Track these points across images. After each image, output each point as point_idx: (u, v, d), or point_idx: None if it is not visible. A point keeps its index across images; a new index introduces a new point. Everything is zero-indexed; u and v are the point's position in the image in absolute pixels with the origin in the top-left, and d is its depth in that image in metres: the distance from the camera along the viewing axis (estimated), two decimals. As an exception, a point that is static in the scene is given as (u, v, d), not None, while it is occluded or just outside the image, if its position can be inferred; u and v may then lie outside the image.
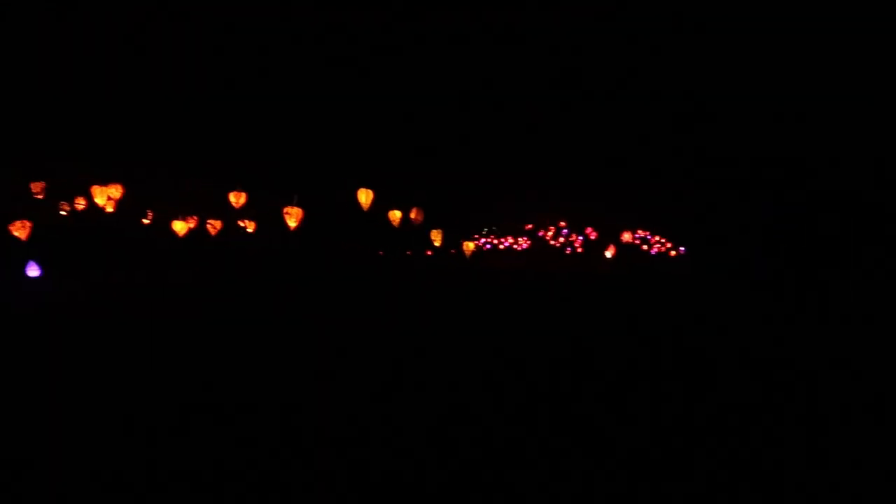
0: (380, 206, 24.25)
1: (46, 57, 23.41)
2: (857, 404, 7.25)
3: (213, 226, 25.97)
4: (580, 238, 45.23)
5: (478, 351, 10.29)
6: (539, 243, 46.54)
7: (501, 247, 46.78)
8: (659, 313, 16.46)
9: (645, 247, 45.73)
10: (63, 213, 23.88)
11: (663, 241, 46.20)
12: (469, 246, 31.98)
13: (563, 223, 45.79)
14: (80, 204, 23.62)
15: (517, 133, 37.77)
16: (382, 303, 17.70)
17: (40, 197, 22.27)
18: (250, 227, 27.79)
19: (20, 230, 20.92)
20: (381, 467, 5.10)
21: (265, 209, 24.88)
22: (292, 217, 22.94)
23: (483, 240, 45.63)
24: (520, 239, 47.05)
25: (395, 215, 25.85)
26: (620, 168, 36.83)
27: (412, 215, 26.59)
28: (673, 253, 45.82)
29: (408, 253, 38.61)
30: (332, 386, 7.76)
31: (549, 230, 46.10)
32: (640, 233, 45.29)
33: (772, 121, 26.69)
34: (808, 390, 7.94)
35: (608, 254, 41.17)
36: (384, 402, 7.06)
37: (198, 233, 25.68)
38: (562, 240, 45.91)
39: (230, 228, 26.96)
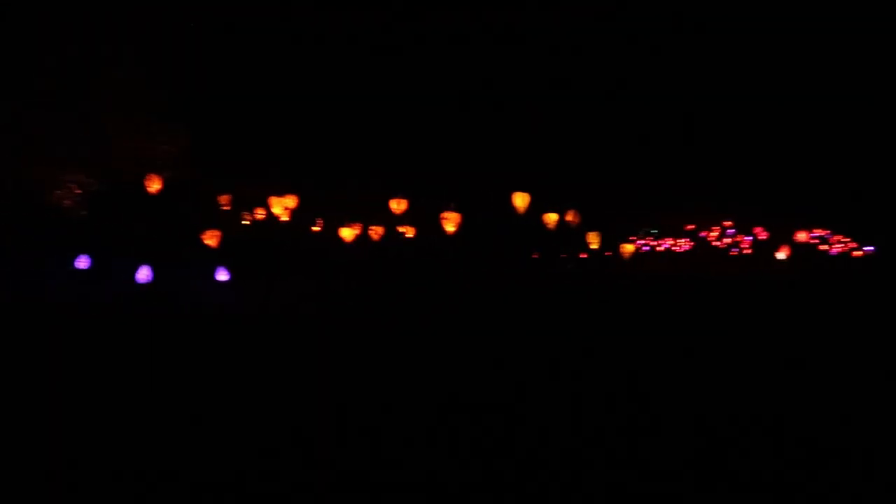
0: (536, 208, 24.19)
1: (232, 80, 25.79)
2: None
3: (376, 232, 27.19)
4: (748, 239, 42.19)
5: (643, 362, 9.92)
6: (702, 245, 44.01)
7: (660, 248, 44.80)
8: (852, 325, 14.95)
9: (824, 247, 41.75)
10: (246, 222, 26.15)
11: (846, 240, 41.94)
12: (628, 248, 30.92)
13: (728, 223, 42.99)
14: (260, 214, 25.79)
15: (674, 128, 36.10)
16: (543, 307, 17.59)
17: (227, 209, 24.59)
18: (409, 232, 28.78)
19: (211, 239, 23.24)
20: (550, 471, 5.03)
21: (424, 215, 25.67)
22: (450, 222, 23.49)
23: (640, 242, 43.95)
24: (680, 240, 44.78)
25: (551, 218, 25.62)
26: (793, 162, 34.08)
27: (568, 218, 26.23)
28: (859, 253, 41.45)
29: (562, 256, 38.09)
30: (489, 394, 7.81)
31: (713, 230, 43.44)
32: (818, 231, 41.41)
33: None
34: None
35: (781, 255, 38.04)
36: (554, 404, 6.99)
37: (362, 239, 27.03)
38: (727, 241, 43.08)
39: (391, 234, 28.09)
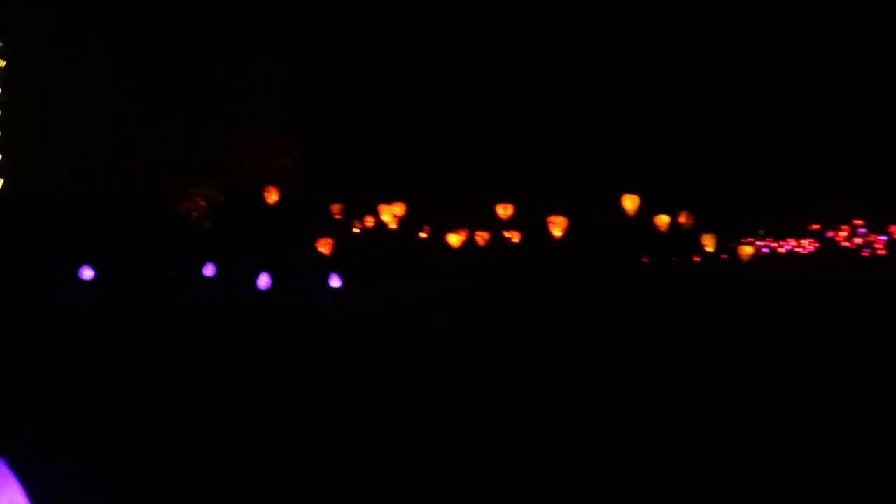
0: (646, 210, 23.48)
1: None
2: None
3: (482, 237, 27.31)
4: (882, 238, 38.86)
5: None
6: (828, 245, 40.98)
7: (782, 250, 42.13)
8: None
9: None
10: (356, 230, 27.00)
11: None
12: (746, 250, 29.30)
13: (858, 221, 39.81)
14: (370, 221, 26.57)
15: (796, 123, 33.94)
16: (654, 313, 16.96)
17: (339, 217, 25.51)
18: (515, 237, 28.68)
19: (325, 246, 24.18)
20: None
21: (531, 219, 25.54)
22: (557, 226, 23.21)
23: (760, 243, 41.51)
24: (804, 241, 41.93)
25: (663, 220, 24.77)
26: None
27: (681, 219, 25.26)
28: None
29: (673, 260, 36.66)
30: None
31: (842, 230, 40.35)
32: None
33: None
34: None
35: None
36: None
37: (468, 244, 27.21)
38: (858, 241, 39.89)
39: (497, 239, 28.11)
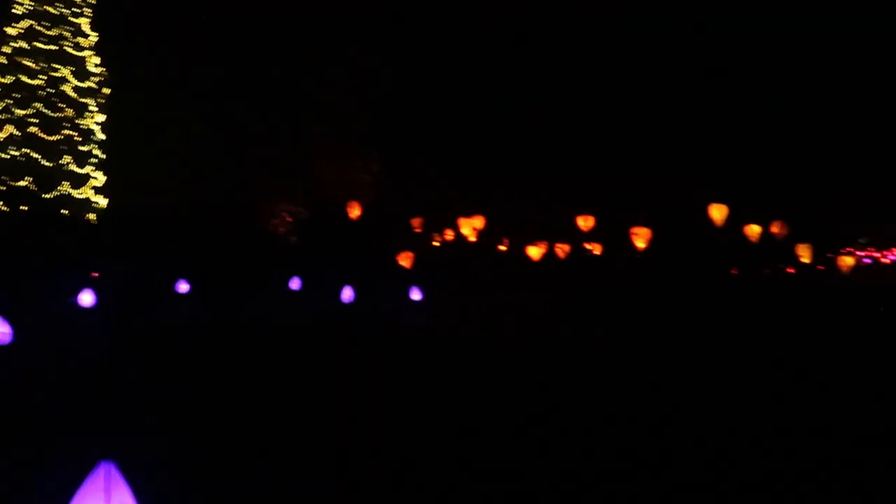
0: (735, 220, 22.52)
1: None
2: None
3: (562, 249, 26.94)
4: None
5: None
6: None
7: (885, 260, 39.53)
8: None
9: None
10: (436, 244, 27.23)
11: None
12: (847, 261, 27.61)
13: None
14: (449, 235, 26.73)
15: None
16: (745, 329, 16.19)
17: (419, 231, 25.80)
18: (596, 249, 28.15)
19: (405, 260, 24.48)
20: None
21: (613, 231, 25.01)
22: (640, 237, 22.62)
23: (861, 253, 39.10)
24: (911, 251, 39.24)
25: (754, 230, 23.70)
26: None
27: (774, 229, 24.09)
28: None
29: (765, 272, 35.00)
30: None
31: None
32: None
33: None
34: None
35: None
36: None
37: (548, 257, 26.90)
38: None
39: (577, 251, 27.68)
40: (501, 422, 7.06)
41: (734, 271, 34.64)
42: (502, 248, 28.24)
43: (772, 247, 26.01)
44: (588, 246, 28.03)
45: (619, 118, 27.05)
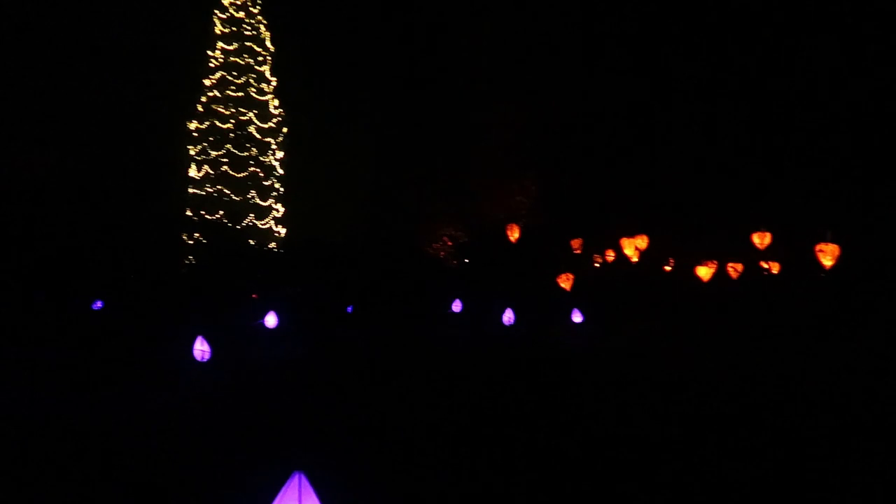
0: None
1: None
2: None
3: (735, 269, 25.13)
4: None
5: None
6: None
7: None
8: None
9: None
10: (596, 265, 26.58)
11: None
12: None
13: None
14: (610, 256, 25.97)
15: None
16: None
17: (578, 252, 25.35)
18: (774, 268, 25.95)
19: (565, 282, 24.13)
20: None
21: (792, 248, 22.95)
22: (827, 255, 20.58)
23: None
24: None
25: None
26: None
27: None
28: None
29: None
30: None
31: None
32: None
33: None
34: None
35: None
36: None
37: (719, 276, 25.23)
38: None
39: (753, 271, 25.69)
40: (682, 452, 6.67)
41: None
42: (668, 268, 26.93)
43: None
44: (765, 265, 25.92)
45: (800, 120, 24.91)
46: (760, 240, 21.77)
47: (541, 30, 28.57)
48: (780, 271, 26.38)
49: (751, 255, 24.59)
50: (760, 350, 15.56)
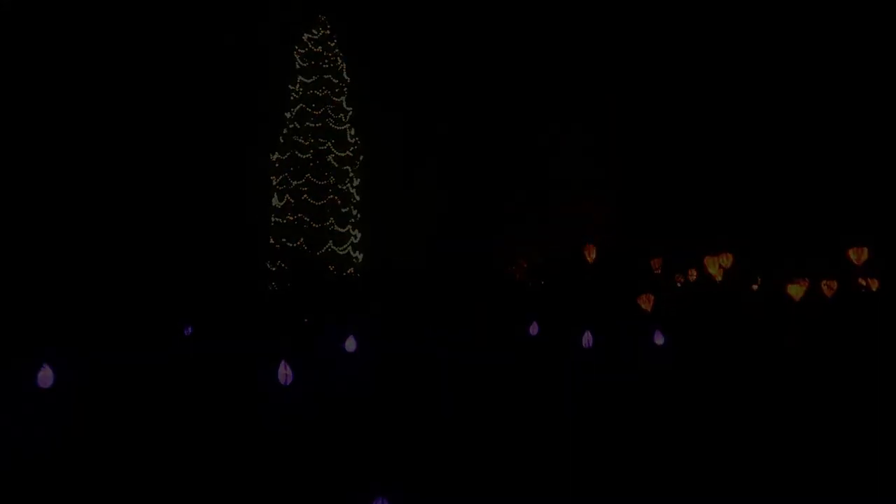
0: None
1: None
2: None
3: (829, 287, 23.82)
4: None
5: None
6: None
7: None
8: None
9: None
10: (678, 284, 25.79)
11: None
12: None
13: None
14: (693, 275, 25.15)
15: None
16: None
17: (659, 272, 24.68)
18: (874, 285, 24.43)
19: (645, 303, 23.51)
20: None
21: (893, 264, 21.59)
22: (932, 270, 19.23)
23: None
24: None
25: None
26: None
27: None
28: None
29: None
30: None
31: None
32: None
33: None
34: None
35: None
36: None
37: (812, 295, 23.97)
38: None
39: (849, 289, 24.29)
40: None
41: None
42: (754, 287, 25.81)
43: None
44: (863, 282, 24.46)
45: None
46: (857, 255, 20.59)
47: (616, 46, 28.33)
48: (879, 288, 24.84)
49: (847, 272, 23.32)
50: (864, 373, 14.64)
